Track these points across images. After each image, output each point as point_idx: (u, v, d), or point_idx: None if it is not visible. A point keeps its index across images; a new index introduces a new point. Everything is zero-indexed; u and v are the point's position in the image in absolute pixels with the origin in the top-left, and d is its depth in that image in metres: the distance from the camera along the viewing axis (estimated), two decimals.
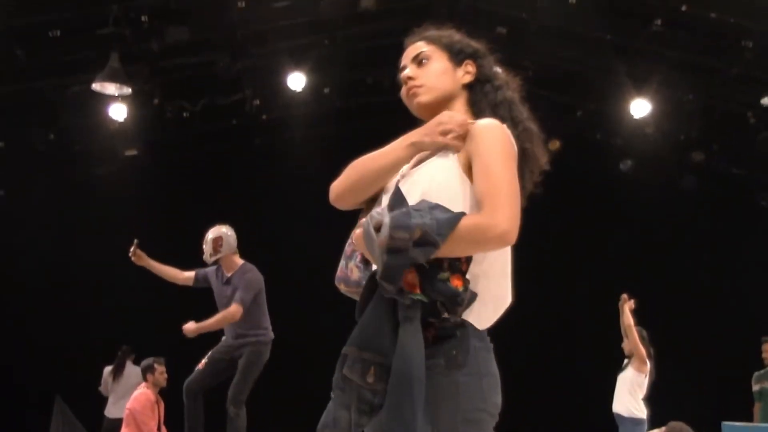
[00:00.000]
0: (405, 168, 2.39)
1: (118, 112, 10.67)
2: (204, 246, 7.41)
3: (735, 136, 11.75)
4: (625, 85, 11.06)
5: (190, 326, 7.05)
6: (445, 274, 2.09)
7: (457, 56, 2.49)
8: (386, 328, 2.08)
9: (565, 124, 12.39)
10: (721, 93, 10.98)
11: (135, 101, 10.66)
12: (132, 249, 7.16)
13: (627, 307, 7.94)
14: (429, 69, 2.48)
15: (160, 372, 8.99)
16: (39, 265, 11.47)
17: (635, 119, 11.25)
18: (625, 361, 8.20)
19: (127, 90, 9.84)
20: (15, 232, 11.18)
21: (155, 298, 9.93)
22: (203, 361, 7.35)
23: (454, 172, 2.26)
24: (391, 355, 2.05)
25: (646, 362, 7.93)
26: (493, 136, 2.24)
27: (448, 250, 2.07)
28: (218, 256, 7.38)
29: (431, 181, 2.26)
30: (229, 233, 7.46)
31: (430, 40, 2.53)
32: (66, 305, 11.30)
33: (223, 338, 7.40)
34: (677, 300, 11.93)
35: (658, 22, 10.00)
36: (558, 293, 12.27)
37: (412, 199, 2.19)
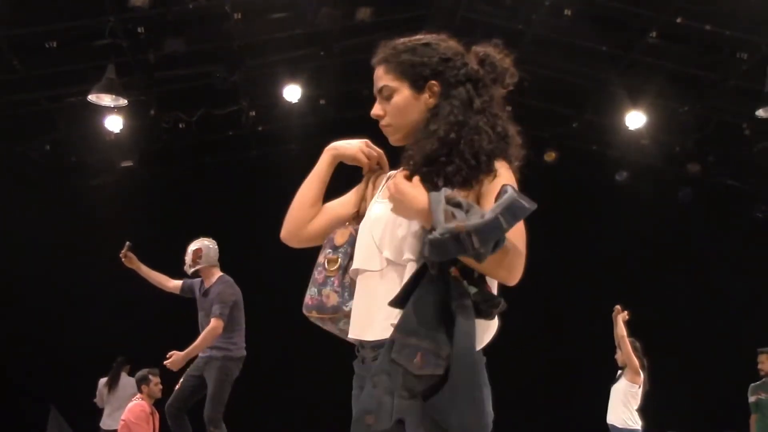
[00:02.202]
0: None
1: (115, 123, 10.69)
2: (185, 257, 7.46)
3: (730, 148, 11.79)
4: (620, 97, 11.10)
5: (175, 357, 6.98)
6: (476, 275, 2.19)
7: (417, 82, 2.35)
8: (433, 314, 2.13)
9: (560, 135, 12.41)
10: (716, 105, 11.00)
11: (131, 112, 10.67)
12: (123, 251, 7.20)
13: (620, 318, 7.92)
14: (393, 105, 2.38)
15: (155, 383, 8.97)
16: (34, 276, 11.44)
17: (631, 130, 11.28)
18: (619, 372, 8.20)
19: (124, 101, 9.85)
20: (10, 243, 11.15)
21: (151, 309, 9.92)
22: (180, 380, 7.37)
23: None
24: (440, 342, 2.11)
25: (639, 373, 7.92)
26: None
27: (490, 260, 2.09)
28: (197, 267, 7.43)
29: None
30: (210, 246, 7.49)
31: (389, 68, 2.39)
32: (61, 316, 11.27)
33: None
34: (673, 311, 11.93)
35: (654, 34, 10.05)
36: (552, 303, 12.26)
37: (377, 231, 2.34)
